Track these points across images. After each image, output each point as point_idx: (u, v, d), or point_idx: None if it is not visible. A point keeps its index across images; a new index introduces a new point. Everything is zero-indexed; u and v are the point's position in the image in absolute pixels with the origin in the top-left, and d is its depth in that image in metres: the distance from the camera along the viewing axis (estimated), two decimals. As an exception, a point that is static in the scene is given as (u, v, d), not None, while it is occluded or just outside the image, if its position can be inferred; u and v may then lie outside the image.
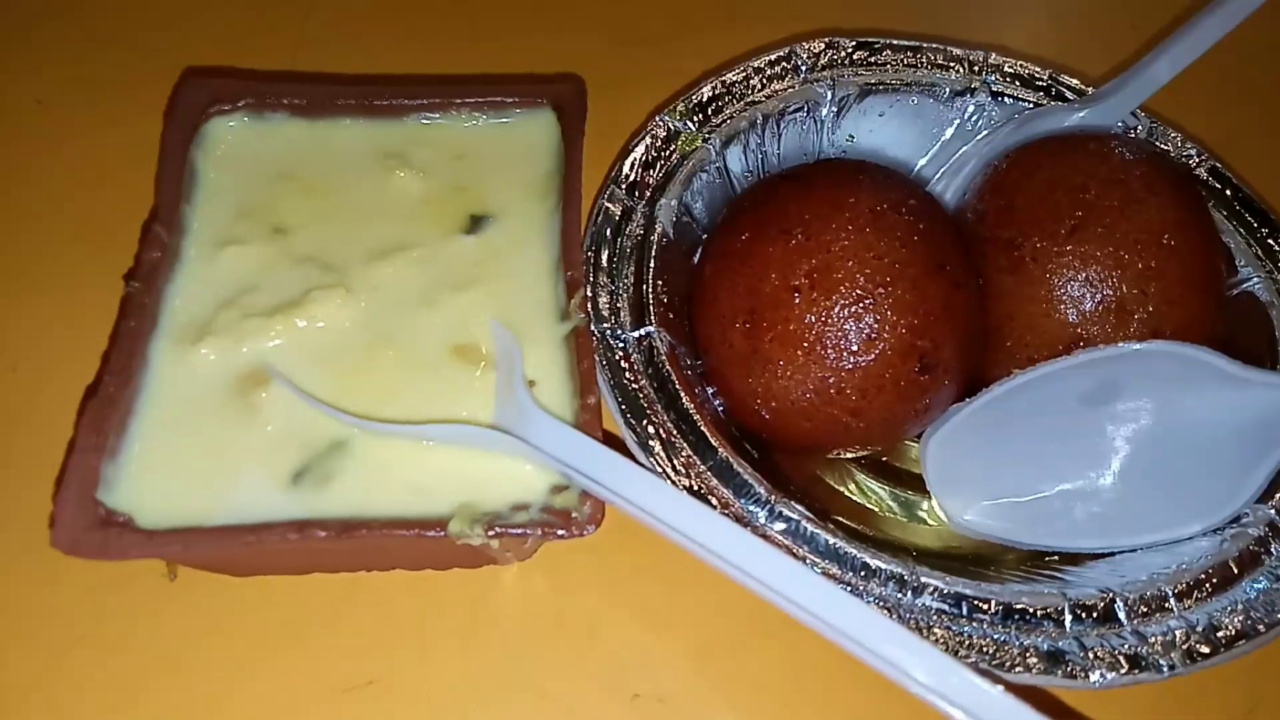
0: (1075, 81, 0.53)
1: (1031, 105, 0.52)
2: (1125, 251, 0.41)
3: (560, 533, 0.36)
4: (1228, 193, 0.50)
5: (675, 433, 0.40)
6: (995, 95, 0.52)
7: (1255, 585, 0.39)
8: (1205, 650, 0.37)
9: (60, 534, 0.34)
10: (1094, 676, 0.36)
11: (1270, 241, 0.49)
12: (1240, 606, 0.38)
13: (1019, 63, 0.53)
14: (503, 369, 0.41)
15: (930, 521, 0.46)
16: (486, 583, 0.43)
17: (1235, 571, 0.39)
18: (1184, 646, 0.37)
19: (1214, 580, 0.39)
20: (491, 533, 0.36)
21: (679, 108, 0.50)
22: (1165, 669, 0.37)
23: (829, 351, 0.40)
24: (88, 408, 0.37)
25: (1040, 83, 0.53)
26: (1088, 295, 0.41)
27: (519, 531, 0.36)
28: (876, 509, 0.46)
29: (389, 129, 0.47)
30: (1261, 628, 0.38)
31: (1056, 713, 0.32)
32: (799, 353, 0.40)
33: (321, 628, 0.42)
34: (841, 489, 0.47)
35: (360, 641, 0.41)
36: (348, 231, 0.44)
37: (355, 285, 0.43)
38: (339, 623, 0.42)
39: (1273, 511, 0.40)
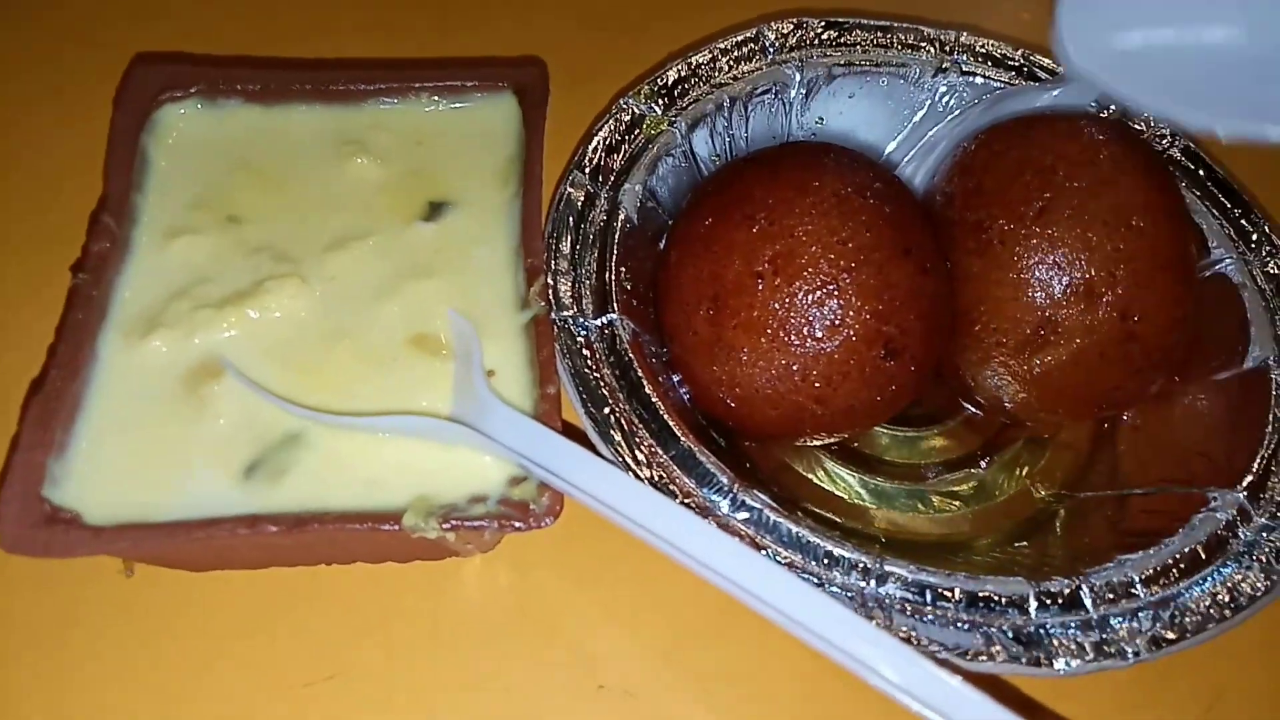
0: (1048, 61, 0.52)
1: (1003, 85, 0.51)
2: (1094, 233, 0.40)
3: (518, 525, 0.36)
4: (1201, 173, 0.50)
5: (637, 422, 0.40)
6: (967, 75, 0.52)
7: (1221, 570, 0.38)
8: (1171, 636, 0.37)
9: (3, 532, 0.34)
10: (1059, 664, 0.36)
11: (1243, 222, 0.48)
12: (1206, 592, 0.38)
13: (991, 42, 0.53)
14: (461, 359, 0.40)
15: (900, 507, 0.46)
16: (449, 575, 0.43)
17: (1202, 556, 0.39)
18: (1149, 633, 0.37)
19: (1180, 566, 0.38)
20: (447, 525, 0.36)
21: (644, 90, 0.49)
22: (1130, 656, 0.36)
23: (793, 338, 0.39)
24: (33, 403, 0.37)
25: (1012, 63, 0.52)
26: (1056, 278, 0.41)
27: (475, 524, 0.36)
28: (845, 496, 0.46)
29: (346, 114, 0.46)
30: (1227, 613, 0.37)
31: (1019, 704, 0.32)
32: (763, 340, 0.40)
33: (282, 622, 0.41)
34: (810, 476, 0.46)
35: (321, 635, 0.41)
36: (303, 220, 0.43)
37: (310, 275, 0.42)
38: (299, 617, 0.41)
39: (1241, 496, 0.40)
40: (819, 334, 0.39)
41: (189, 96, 0.45)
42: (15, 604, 0.41)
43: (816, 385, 0.40)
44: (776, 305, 0.39)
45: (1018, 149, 0.43)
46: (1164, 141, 0.51)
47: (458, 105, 0.47)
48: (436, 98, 0.47)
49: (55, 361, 0.38)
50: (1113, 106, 0.51)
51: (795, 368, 0.40)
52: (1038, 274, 0.41)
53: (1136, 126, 0.51)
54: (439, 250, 0.43)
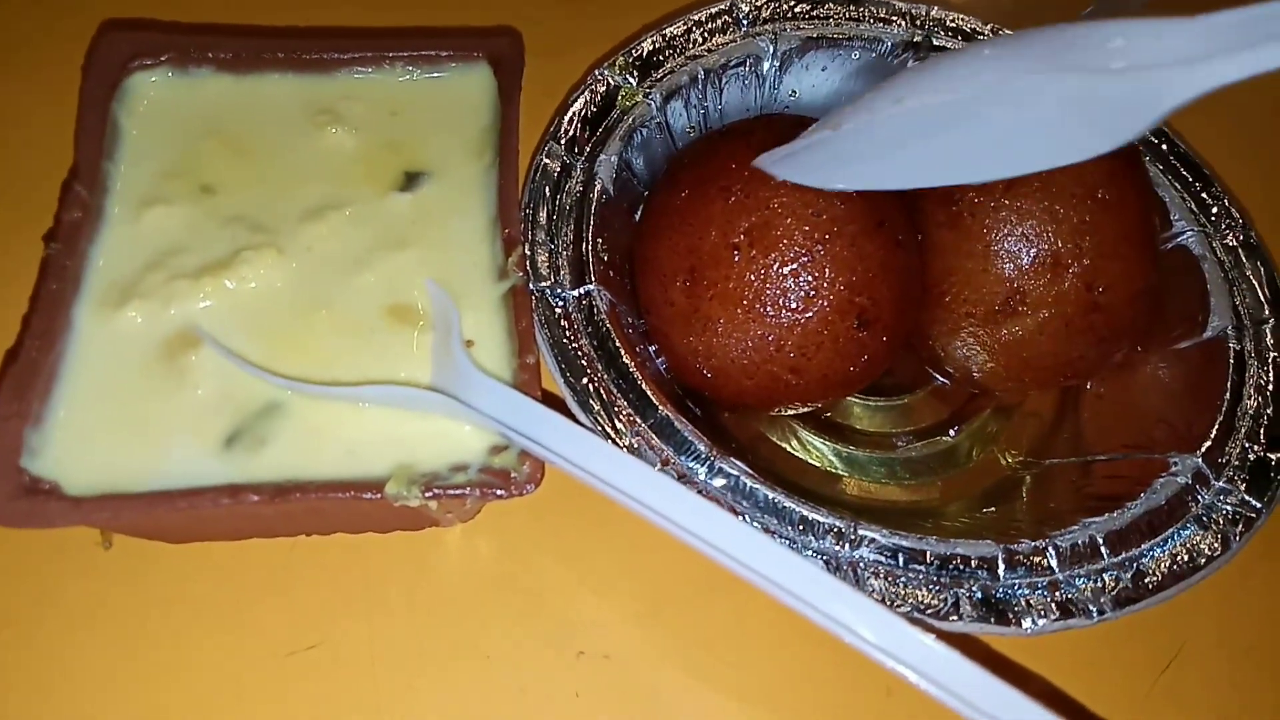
0: (1016, 36, 0.53)
1: (972, 60, 0.52)
2: (1060, 205, 0.41)
3: (499, 493, 0.36)
4: (1164, 147, 0.51)
5: (615, 391, 0.40)
6: (937, 50, 0.52)
7: (1181, 532, 0.40)
8: (1133, 595, 0.38)
9: (-18, 503, 0.34)
10: (1026, 623, 0.37)
11: (1204, 195, 0.49)
12: (1167, 553, 0.39)
13: (961, 17, 0.53)
14: (439, 329, 0.40)
15: (872, 476, 0.47)
16: (429, 545, 0.43)
17: (1163, 519, 0.40)
18: (1113, 593, 0.38)
19: (1142, 528, 0.40)
20: (429, 494, 0.36)
21: (619, 62, 0.49)
22: (1095, 614, 0.38)
23: (768, 309, 0.40)
24: (8, 373, 0.36)
25: (982, 37, 0.53)
26: (1024, 249, 0.42)
27: (457, 492, 0.36)
28: (819, 465, 0.47)
29: (320, 84, 0.46)
30: (1187, 572, 0.39)
31: (989, 661, 0.33)
32: (739, 311, 0.40)
33: (263, 593, 0.41)
34: (784, 445, 0.47)
35: (303, 606, 0.41)
36: (278, 190, 0.43)
37: (286, 245, 0.42)
38: (280, 588, 0.41)
39: (1199, 461, 0.41)
40: (794, 305, 0.40)
41: (159, 64, 0.45)
42: (-12, 577, 0.40)
43: (791, 355, 0.41)
44: (752, 277, 0.40)
45: (987, 123, 0.44)
46: (1128, 116, 0.52)
47: (432, 75, 0.47)
48: (411, 67, 0.47)
49: (30, 332, 0.37)
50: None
51: (770, 338, 0.40)
52: (1006, 246, 0.42)
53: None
54: (415, 221, 0.43)
